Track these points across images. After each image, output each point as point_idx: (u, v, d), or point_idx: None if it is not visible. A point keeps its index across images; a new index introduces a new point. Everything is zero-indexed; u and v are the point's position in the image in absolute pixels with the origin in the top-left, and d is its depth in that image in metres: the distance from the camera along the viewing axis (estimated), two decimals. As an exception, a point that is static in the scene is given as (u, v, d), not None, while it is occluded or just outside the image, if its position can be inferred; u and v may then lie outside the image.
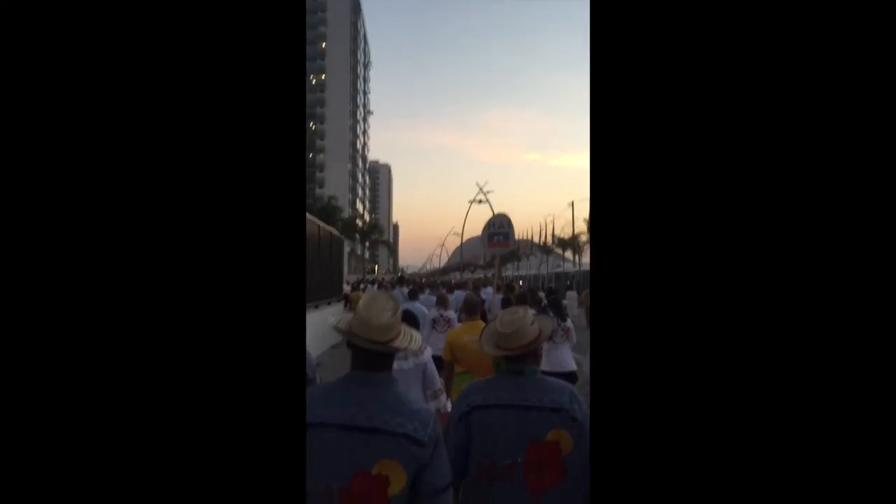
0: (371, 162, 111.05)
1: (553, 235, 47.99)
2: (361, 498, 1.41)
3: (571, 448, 1.69)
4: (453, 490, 1.56)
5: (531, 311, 1.93)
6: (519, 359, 1.79)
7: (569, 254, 45.27)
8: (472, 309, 4.33)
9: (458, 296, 7.21)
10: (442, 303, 6.46)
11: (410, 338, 1.60)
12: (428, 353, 3.54)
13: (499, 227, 5.52)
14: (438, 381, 3.51)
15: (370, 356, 1.54)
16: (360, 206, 79.39)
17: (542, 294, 7.14)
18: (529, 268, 49.84)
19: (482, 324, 4.31)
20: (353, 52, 77.10)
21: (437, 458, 1.47)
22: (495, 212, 5.61)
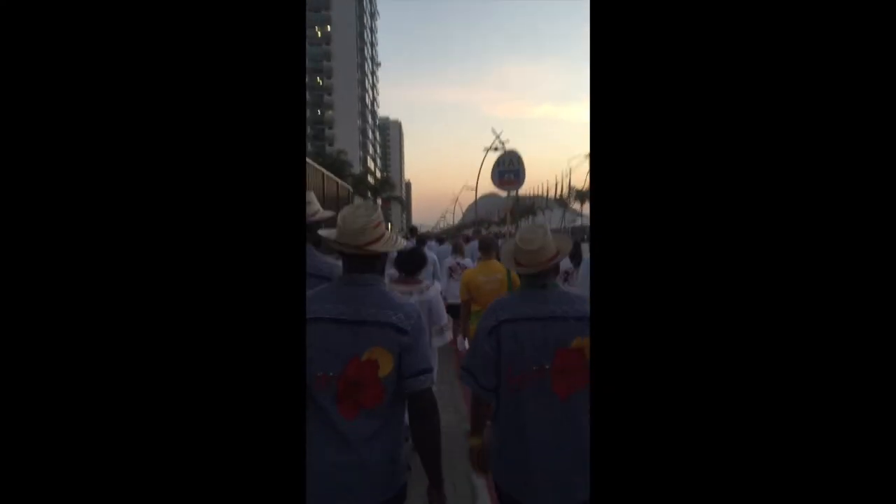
0: (381, 118, 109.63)
1: (570, 188, 47.54)
2: (356, 381, 1.67)
3: None
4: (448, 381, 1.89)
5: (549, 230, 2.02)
6: (540, 275, 1.90)
7: (585, 208, 44.84)
8: (488, 249, 4.52)
9: (473, 245, 7.40)
10: (458, 250, 6.66)
11: (394, 242, 1.82)
12: (434, 290, 3.70)
13: (508, 164, 5.56)
14: (444, 317, 3.68)
15: (355, 260, 1.76)
16: (370, 164, 78.95)
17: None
18: (546, 222, 49.67)
19: (497, 264, 4.50)
20: (360, 1, 75.07)
21: (417, 344, 1.70)
22: (510, 157, 5.56)
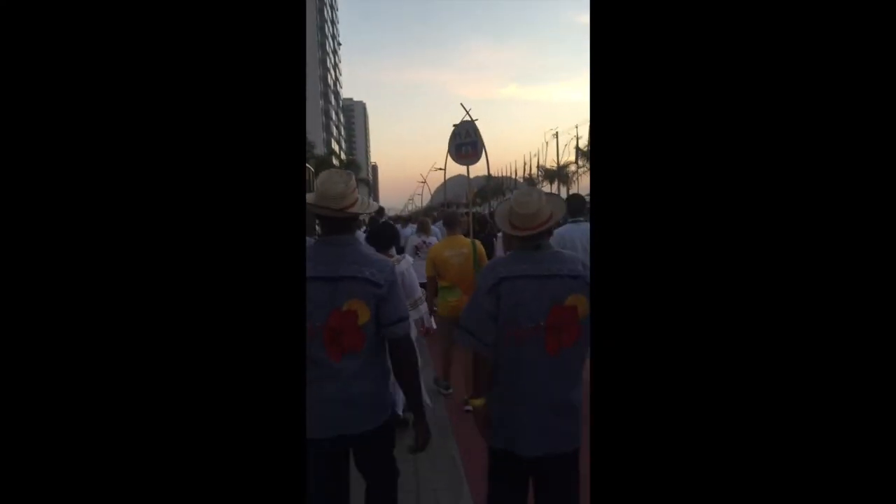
0: (345, 100, 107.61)
1: (538, 167, 47.75)
2: (339, 329, 1.93)
3: (587, 312, 1.92)
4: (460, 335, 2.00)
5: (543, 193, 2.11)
6: (534, 237, 1.98)
7: (554, 188, 45.23)
8: (452, 224, 4.56)
9: (439, 225, 7.40)
10: (423, 229, 6.67)
11: (367, 204, 2.05)
12: (406, 263, 3.75)
13: (465, 136, 5.39)
14: (418, 290, 3.73)
15: (331, 222, 1.99)
16: (335, 146, 77.71)
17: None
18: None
19: (463, 239, 4.55)
20: (317, -24, 73.11)
21: (391, 296, 1.96)
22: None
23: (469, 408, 4.20)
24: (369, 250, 2.09)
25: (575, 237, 4.17)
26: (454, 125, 5.41)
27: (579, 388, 1.99)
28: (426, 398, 2.94)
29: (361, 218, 2.33)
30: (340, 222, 1.99)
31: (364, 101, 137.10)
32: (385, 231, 3.67)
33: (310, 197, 1.96)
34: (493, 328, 1.96)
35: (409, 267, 3.68)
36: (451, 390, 4.51)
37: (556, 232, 3.49)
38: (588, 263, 2.00)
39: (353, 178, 2.02)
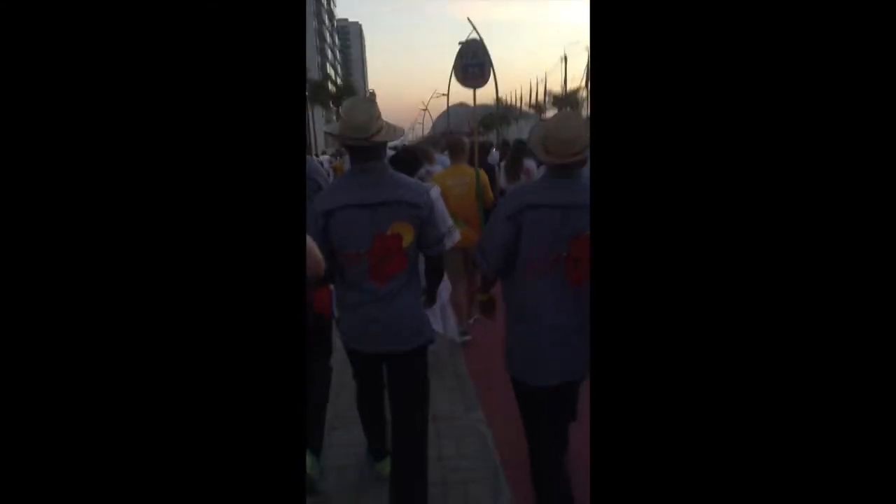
0: (339, 20, 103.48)
1: (545, 93, 46.39)
2: (384, 253, 2.04)
3: None
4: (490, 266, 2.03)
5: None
6: (569, 166, 1.88)
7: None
8: (457, 152, 4.42)
9: (441, 158, 7.22)
10: (426, 157, 6.51)
11: (393, 130, 2.10)
12: (436, 192, 3.62)
13: (472, 56, 5.11)
14: (449, 219, 3.63)
15: (360, 150, 2.05)
16: (330, 71, 75.42)
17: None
18: (520, 132, 48.91)
19: (467, 167, 4.42)
20: None
21: (432, 216, 2.10)
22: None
23: (468, 338, 4.31)
24: (402, 175, 2.15)
25: None
26: (460, 43, 5.16)
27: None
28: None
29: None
30: (369, 150, 2.03)
31: (360, 23, 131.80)
32: (408, 157, 3.57)
33: (334, 127, 2.07)
34: (504, 256, 1.95)
35: (438, 195, 3.57)
36: (468, 337, 4.40)
37: None
38: None
39: (376, 105, 2.05)
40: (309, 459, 2.48)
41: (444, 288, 3.68)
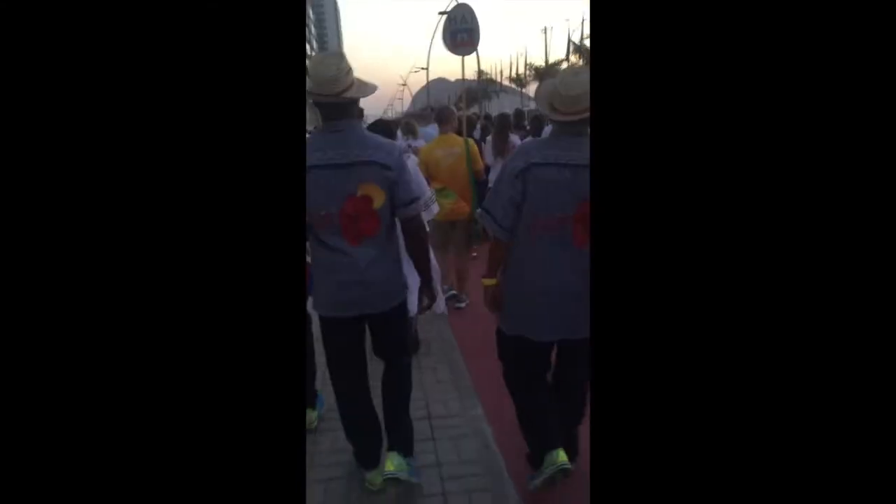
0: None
1: (527, 66, 45.92)
2: (355, 214, 1.96)
3: None
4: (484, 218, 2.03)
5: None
6: (576, 123, 1.85)
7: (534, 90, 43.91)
8: (446, 121, 4.12)
9: (428, 131, 6.91)
10: (410, 131, 6.20)
11: (364, 86, 2.00)
12: (412, 161, 3.35)
13: (461, 21, 4.88)
14: (427, 189, 3.37)
15: (330, 108, 1.97)
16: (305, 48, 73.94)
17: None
18: (501, 107, 48.57)
19: (455, 137, 4.12)
20: None
21: (402, 178, 1.99)
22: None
23: (462, 304, 4.19)
24: (373, 135, 2.06)
25: None
26: (439, 12, 4.88)
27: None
28: (440, 303, 3.08)
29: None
30: (340, 107, 1.96)
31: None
32: (382, 128, 3.38)
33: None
34: (512, 214, 1.93)
35: (415, 164, 3.29)
36: (465, 303, 4.31)
37: None
38: None
39: (346, 59, 1.96)
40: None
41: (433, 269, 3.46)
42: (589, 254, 1.85)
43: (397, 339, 2.25)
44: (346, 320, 2.10)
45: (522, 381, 2.19)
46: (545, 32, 41.98)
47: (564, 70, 2.04)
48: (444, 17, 4.89)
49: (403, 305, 2.18)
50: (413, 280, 2.36)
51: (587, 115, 1.81)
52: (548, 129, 2.34)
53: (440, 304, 3.68)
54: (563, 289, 1.93)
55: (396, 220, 2.08)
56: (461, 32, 4.89)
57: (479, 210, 2.09)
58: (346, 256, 1.99)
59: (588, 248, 1.85)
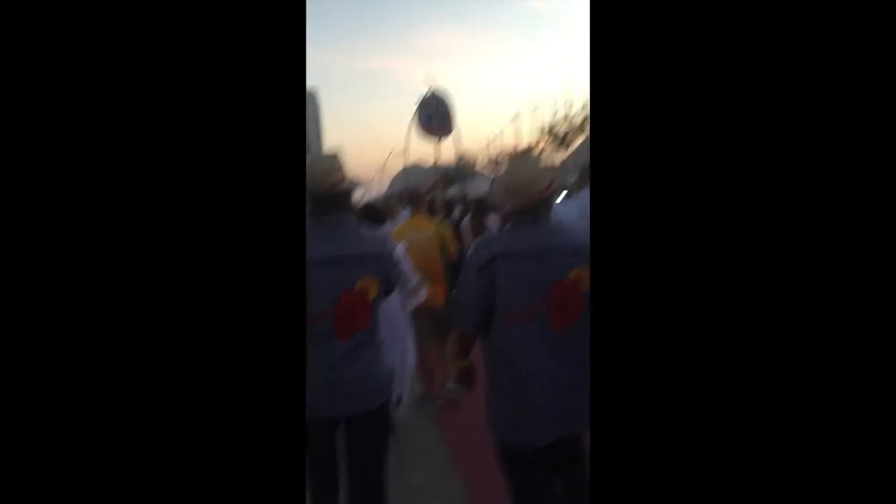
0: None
1: (500, 150, 47.71)
2: (350, 309, 1.96)
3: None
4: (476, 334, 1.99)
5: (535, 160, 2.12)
6: (533, 207, 1.87)
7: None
8: (415, 203, 4.19)
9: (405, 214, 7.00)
10: (389, 214, 6.29)
11: (357, 181, 2.08)
12: (401, 247, 3.31)
13: (436, 106, 5.10)
14: (415, 276, 3.32)
15: (321, 201, 2.03)
16: (286, 136, 76.01)
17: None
18: (479, 188, 49.80)
19: (427, 220, 4.19)
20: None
21: (396, 267, 2.09)
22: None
23: (458, 396, 3.95)
24: (364, 226, 2.14)
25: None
26: (418, 102, 5.08)
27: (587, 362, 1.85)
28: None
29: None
30: (332, 201, 2.02)
31: (316, 90, 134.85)
32: (370, 215, 3.55)
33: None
34: (481, 309, 1.89)
35: (403, 251, 3.26)
36: (457, 396, 3.99)
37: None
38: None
39: (339, 156, 2.06)
40: None
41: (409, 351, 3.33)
42: (569, 339, 1.83)
43: (378, 444, 2.10)
44: (327, 423, 2.01)
45: (524, 495, 2.00)
46: (516, 120, 44.16)
47: (512, 159, 2.11)
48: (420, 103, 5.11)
49: (387, 405, 2.09)
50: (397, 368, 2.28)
51: (542, 198, 1.87)
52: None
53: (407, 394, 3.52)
54: (550, 381, 1.85)
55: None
56: (436, 116, 5.10)
57: (451, 304, 2.15)
58: (335, 351, 1.95)
59: (568, 333, 1.84)
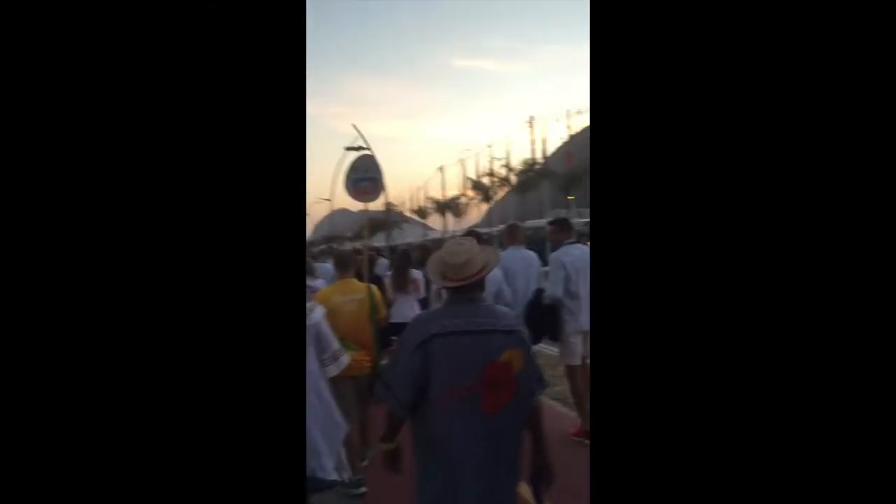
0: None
1: (426, 199, 48.67)
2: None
3: (522, 366, 1.91)
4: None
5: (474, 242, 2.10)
6: (467, 288, 1.93)
7: (434, 221, 46.19)
8: (345, 265, 4.07)
9: (325, 267, 6.84)
10: (308, 270, 6.09)
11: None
12: (319, 313, 3.12)
13: (364, 170, 5.13)
14: (334, 342, 3.12)
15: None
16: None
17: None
18: (403, 237, 50.17)
19: (356, 283, 4.06)
20: None
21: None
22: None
23: (363, 490, 3.70)
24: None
25: (517, 266, 4.29)
26: (345, 148, 5.12)
27: (518, 445, 1.96)
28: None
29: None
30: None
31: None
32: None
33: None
34: (413, 388, 1.88)
35: (322, 317, 3.06)
36: (363, 489, 3.64)
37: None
38: (527, 298, 2.18)
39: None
40: None
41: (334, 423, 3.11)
42: (499, 422, 1.86)
43: None
44: None
45: None
46: (441, 171, 45.28)
47: (449, 241, 2.17)
48: (350, 152, 5.12)
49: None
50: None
51: (476, 279, 1.93)
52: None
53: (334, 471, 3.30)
54: (481, 463, 1.86)
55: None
56: (364, 181, 5.11)
57: (377, 382, 2.04)
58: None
59: (497, 415, 1.85)
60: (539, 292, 4.32)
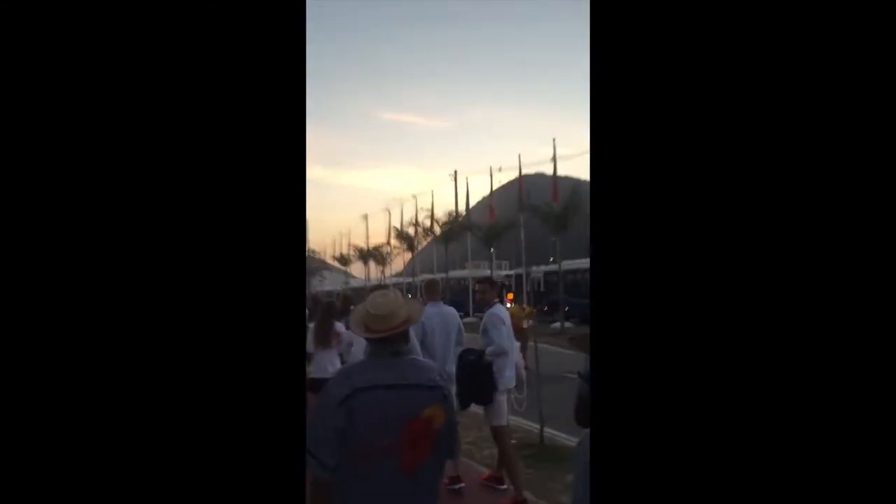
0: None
1: (349, 246, 48.17)
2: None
3: (444, 422, 1.89)
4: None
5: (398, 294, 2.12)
6: (391, 341, 1.91)
7: (357, 269, 45.75)
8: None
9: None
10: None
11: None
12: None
13: None
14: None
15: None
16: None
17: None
18: (322, 285, 49.06)
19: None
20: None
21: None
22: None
23: None
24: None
25: (434, 322, 4.26)
26: None
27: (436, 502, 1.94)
28: None
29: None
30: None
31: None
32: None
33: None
34: (336, 448, 1.77)
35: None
36: None
37: None
38: (443, 373, 2.07)
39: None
40: None
41: None
42: (416, 482, 1.82)
43: None
44: None
45: None
46: (366, 219, 45.15)
47: (373, 294, 2.15)
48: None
49: None
50: None
51: (399, 330, 1.92)
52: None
53: None
54: None
55: None
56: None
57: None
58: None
59: (415, 475, 1.81)
60: (465, 354, 4.22)
